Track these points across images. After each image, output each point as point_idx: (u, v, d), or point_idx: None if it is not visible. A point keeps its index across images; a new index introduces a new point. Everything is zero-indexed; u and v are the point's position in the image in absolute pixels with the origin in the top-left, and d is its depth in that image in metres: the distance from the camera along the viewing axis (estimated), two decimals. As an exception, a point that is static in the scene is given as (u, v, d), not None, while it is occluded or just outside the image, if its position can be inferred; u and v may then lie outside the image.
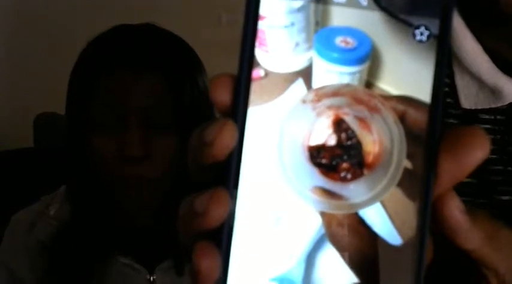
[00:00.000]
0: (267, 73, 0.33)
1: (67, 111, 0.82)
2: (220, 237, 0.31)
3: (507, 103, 0.59)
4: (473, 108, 0.60)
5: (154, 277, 0.81)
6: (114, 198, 0.76)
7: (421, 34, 0.32)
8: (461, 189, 0.33)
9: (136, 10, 3.30)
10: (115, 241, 0.80)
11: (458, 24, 0.59)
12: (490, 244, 0.33)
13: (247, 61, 0.32)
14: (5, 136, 3.26)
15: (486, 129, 0.60)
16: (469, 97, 0.60)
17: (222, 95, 0.32)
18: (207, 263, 0.30)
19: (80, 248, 0.81)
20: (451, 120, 0.61)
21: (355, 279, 0.32)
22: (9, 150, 1.47)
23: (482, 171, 0.58)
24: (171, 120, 0.77)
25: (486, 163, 0.33)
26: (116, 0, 3.42)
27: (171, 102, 0.76)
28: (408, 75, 0.33)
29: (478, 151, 0.32)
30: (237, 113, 0.32)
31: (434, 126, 0.32)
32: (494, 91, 0.58)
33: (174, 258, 0.80)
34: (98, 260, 0.80)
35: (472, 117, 0.60)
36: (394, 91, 0.33)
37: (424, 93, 0.32)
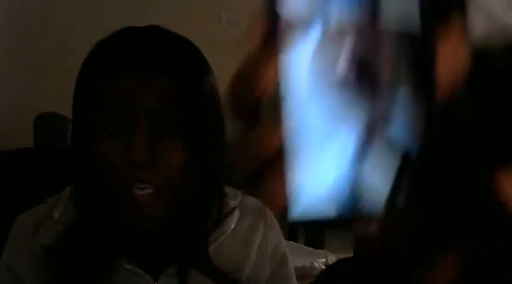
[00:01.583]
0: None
1: (74, 114, 0.81)
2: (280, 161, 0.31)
3: None
4: None
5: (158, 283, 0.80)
6: (120, 203, 0.76)
7: None
8: None
9: (136, 10, 3.30)
10: (119, 247, 0.80)
11: None
12: None
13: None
14: (5, 136, 3.25)
15: None
16: None
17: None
18: (276, 186, 0.31)
19: (83, 253, 0.80)
20: None
21: None
22: (9, 150, 1.46)
23: None
24: (178, 123, 0.77)
25: None
26: (115, 0, 3.42)
27: (179, 104, 0.76)
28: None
29: None
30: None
31: None
32: None
33: (177, 266, 0.79)
34: (101, 266, 0.80)
35: None
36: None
37: None
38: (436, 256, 0.34)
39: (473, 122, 0.50)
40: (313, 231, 2.73)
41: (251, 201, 0.84)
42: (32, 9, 3.42)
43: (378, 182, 0.32)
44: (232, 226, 0.79)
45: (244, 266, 0.79)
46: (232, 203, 0.80)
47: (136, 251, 0.80)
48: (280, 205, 0.31)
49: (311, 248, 2.14)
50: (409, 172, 0.32)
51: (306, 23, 0.32)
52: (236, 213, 0.79)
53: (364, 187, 0.32)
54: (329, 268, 1.06)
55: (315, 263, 1.79)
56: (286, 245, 0.85)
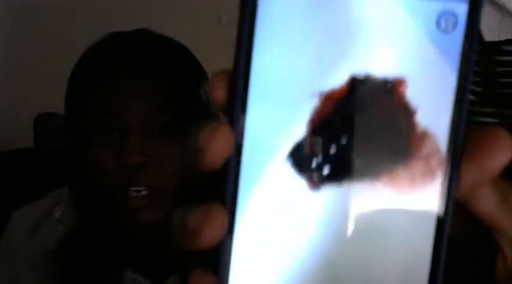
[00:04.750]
0: None
1: (66, 121, 0.81)
2: (217, 259, 0.28)
3: None
4: (496, 39, 0.59)
5: None
6: (117, 209, 0.75)
7: (446, 22, 0.28)
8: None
9: (136, 10, 3.30)
10: (120, 255, 0.79)
11: None
12: (503, 206, 0.30)
13: (245, 54, 0.28)
14: (5, 136, 3.25)
15: (510, 61, 0.59)
16: (491, 29, 0.58)
17: (220, 93, 0.28)
18: None
19: (88, 261, 0.79)
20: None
21: None
22: (9, 150, 1.46)
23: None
24: (172, 124, 0.76)
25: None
26: (115, 0, 3.41)
27: (171, 107, 0.75)
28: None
29: (500, 154, 0.30)
30: (234, 114, 0.27)
31: (459, 128, 0.28)
32: None
33: (179, 274, 0.79)
34: (107, 275, 0.79)
35: (495, 50, 0.59)
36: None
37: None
38: None
39: None
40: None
41: None
42: (32, 9, 3.42)
43: None
44: None
45: None
46: None
47: (137, 260, 0.79)
48: None
49: (312, 249, 2.12)
50: None
51: None
52: None
53: None
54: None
55: (316, 264, 1.78)
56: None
